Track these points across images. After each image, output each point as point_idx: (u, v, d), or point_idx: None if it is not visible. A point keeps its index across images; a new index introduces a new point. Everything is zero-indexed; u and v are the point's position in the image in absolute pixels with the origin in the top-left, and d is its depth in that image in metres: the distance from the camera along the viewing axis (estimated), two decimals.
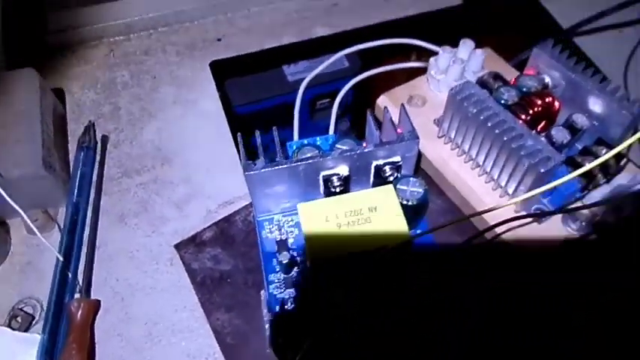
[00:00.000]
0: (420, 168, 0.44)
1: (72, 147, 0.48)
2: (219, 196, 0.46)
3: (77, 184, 0.45)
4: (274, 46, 0.57)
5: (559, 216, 0.38)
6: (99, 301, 0.40)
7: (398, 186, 0.37)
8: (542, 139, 0.38)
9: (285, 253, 0.37)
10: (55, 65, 0.55)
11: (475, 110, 0.38)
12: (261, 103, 0.59)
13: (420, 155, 0.43)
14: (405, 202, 0.36)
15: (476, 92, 0.39)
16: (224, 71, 0.57)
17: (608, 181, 0.38)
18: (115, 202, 0.46)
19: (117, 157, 0.49)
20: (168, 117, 0.52)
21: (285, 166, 0.38)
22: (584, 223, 0.38)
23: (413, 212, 0.37)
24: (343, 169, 0.40)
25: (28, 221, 0.41)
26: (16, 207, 0.40)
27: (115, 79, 0.54)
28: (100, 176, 0.47)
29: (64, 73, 0.55)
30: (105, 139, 0.50)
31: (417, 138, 0.39)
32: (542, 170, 0.34)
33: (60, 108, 0.51)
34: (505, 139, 0.36)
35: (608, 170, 0.39)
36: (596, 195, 0.38)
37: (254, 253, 0.40)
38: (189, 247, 0.42)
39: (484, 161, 0.41)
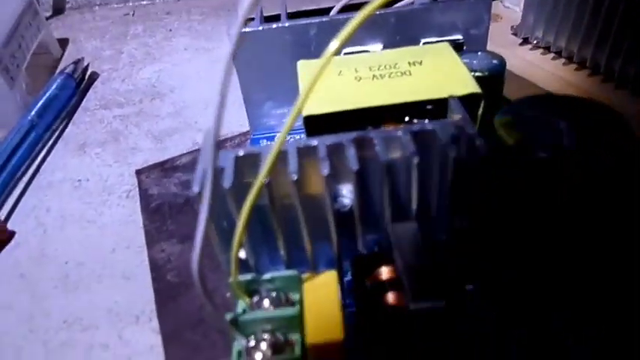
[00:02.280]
0: None
1: None
2: None
3: (39, 105, 0.35)
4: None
5: None
6: (8, 231, 0.28)
7: (460, 58, 0.24)
8: None
9: None
10: (70, 20, 0.50)
11: None
12: None
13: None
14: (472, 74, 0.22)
15: None
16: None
17: None
18: (80, 131, 0.36)
19: (101, 91, 0.40)
20: (175, 60, 0.43)
21: (288, 24, 0.26)
22: None
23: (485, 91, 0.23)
24: (376, 47, 0.27)
25: None
26: None
27: (127, 32, 0.47)
28: (74, 107, 0.38)
29: (75, 26, 0.49)
30: (94, 75, 0.41)
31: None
32: None
33: (56, 49, 0.44)
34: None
35: None
36: None
37: None
38: (153, 171, 0.30)
39: (591, 48, 0.26)
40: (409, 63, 0.22)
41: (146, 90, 0.39)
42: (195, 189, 0.15)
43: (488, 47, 0.32)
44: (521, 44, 0.31)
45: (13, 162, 0.32)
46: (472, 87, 0.19)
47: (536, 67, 0.28)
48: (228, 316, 0.16)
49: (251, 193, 0.14)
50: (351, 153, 0.15)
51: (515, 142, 0.15)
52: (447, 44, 0.23)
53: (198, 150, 0.31)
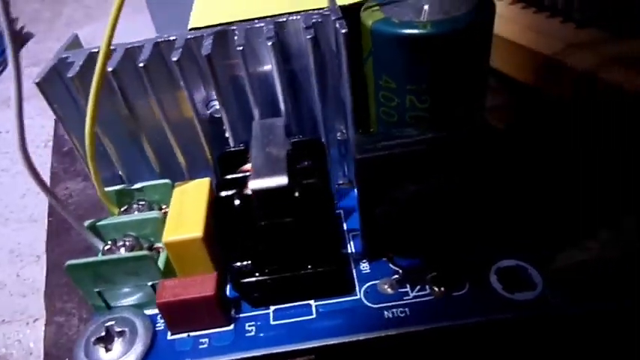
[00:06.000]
0: None
1: None
2: None
3: None
4: None
5: None
6: None
7: None
8: None
9: None
10: None
11: None
12: None
13: None
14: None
15: None
16: None
17: None
18: (6, 86, 0.35)
19: (34, 50, 0.39)
20: None
21: None
22: None
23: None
24: None
25: None
26: None
27: None
28: (3, 66, 0.37)
29: None
30: (28, 36, 0.40)
31: None
32: None
33: None
34: None
35: None
36: None
37: None
38: None
39: None
40: None
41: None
42: (36, 79, 0.15)
43: None
44: None
45: None
46: None
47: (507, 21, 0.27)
48: (87, 223, 0.15)
49: (94, 78, 0.14)
50: (207, 42, 0.14)
51: (374, 21, 0.14)
52: None
53: None
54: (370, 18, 0.14)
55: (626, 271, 0.15)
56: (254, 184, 0.12)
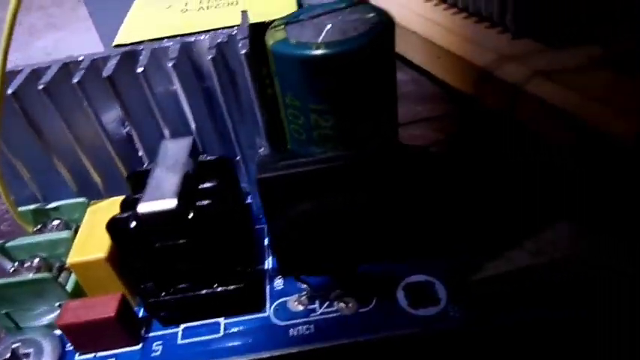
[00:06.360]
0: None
1: None
2: None
3: None
4: None
5: None
6: None
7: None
8: None
9: None
10: None
11: None
12: None
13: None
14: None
15: None
16: None
17: None
18: None
19: None
20: (77, 29, 0.42)
21: None
22: None
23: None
24: None
25: None
26: None
27: (31, 3, 0.46)
28: None
29: None
30: None
31: None
32: None
33: None
34: None
35: None
36: None
37: None
38: None
39: None
40: None
41: (39, 58, 0.38)
42: None
43: None
44: None
45: None
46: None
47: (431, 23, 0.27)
48: None
49: None
50: (111, 63, 0.15)
51: (274, 42, 0.14)
52: None
53: None
54: (272, 38, 0.14)
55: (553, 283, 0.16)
56: (142, 208, 0.12)
